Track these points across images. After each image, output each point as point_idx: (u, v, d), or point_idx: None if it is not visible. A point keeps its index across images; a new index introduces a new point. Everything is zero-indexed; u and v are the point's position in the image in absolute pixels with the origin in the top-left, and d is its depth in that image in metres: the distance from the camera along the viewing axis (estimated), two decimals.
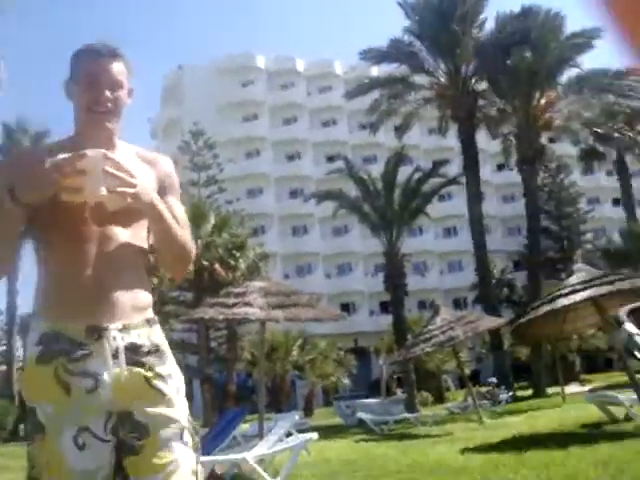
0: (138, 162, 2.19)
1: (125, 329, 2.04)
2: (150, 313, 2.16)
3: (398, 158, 26.99)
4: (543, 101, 27.10)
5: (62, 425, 1.96)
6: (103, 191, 1.93)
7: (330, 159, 53.31)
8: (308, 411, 29.87)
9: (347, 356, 37.10)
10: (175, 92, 57.55)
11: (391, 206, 25.92)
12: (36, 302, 2.13)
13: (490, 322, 17.85)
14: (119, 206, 2.01)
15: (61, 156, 1.94)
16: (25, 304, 38.91)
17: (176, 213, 2.20)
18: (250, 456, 8.91)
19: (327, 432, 15.56)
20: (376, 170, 28.68)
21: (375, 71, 35.78)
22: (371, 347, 40.78)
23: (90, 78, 2.11)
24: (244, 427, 14.02)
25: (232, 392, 31.33)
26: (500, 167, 52.23)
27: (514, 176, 32.36)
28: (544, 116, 27.28)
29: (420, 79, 27.64)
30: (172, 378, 2.10)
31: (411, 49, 26.55)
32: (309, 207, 43.62)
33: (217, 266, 29.56)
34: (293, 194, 55.33)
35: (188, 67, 57.44)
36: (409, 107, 28.00)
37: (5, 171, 2.14)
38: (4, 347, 39.03)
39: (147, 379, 2.03)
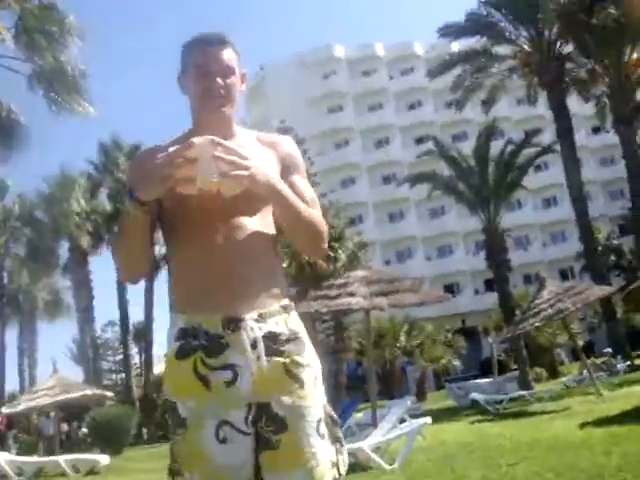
0: (257, 146, 2.17)
1: (262, 318, 2.00)
2: (286, 299, 2.11)
3: (489, 132, 26.48)
4: (635, 55, 25.97)
5: (203, 419, 1.95)
6: (215, 177, 1.88)
7: (419, 141, 52.85)
8: (420, 396, 29.76)
9: (455, 337, 36.79)
10: (259, 92, 58.25)
11: (486, 182, 25.49)
12: (171, 299, 2.14)
13: (600, 291, 17.28)
14: (236, 191, 1.93)
15: (170, 149, 1.92)
16: (137, 313, 40.29)
17: (301, 191, 2.13)
18: (366, 445, 8.97)
19: (441, 415, 15.50)
20: (467, 147, 28.24)
21: (455, 47, 35.15)
22: (479, 326, 40.22)
23: (201, 68, 2.10)
24: (358, 416, 14.12)
25: (343, 383, 31.57)
26: (595, 130, 50.39)
27: (611, 138, 31.20)
28: (638, 71, 26.15)
29: (502, 49, 26.99)
30: (310, 367, 2.04)
31: (490, 20, 25.94)
32: (403, 191, 43.37)
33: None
34: (386, 180, 55.14)
35: (269, 66, 58.01)
36: (494, 79, 27.38)
37: (128, 176, 2.15)
38: (121, 356, 40.57)
39: (286, 368, 1.99)
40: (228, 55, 2.13)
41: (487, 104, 28.26)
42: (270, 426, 1.95)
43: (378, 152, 56.94)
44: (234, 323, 1.97)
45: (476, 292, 51.30)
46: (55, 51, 19.11)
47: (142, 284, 33.77)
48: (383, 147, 57.43)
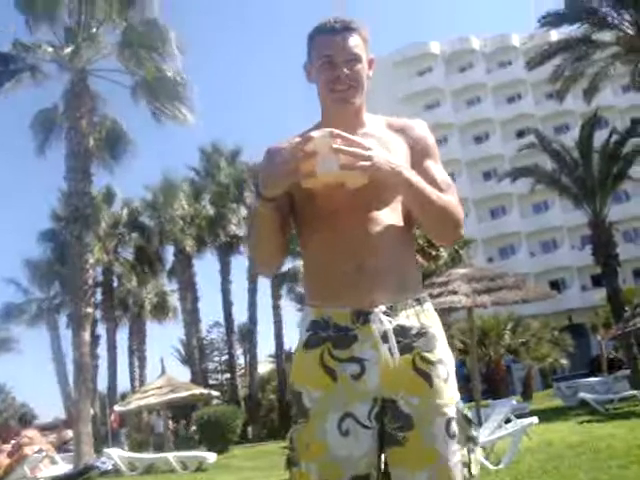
0: (387, 132, 2.14)
1: (392, 311, 1.97)
2: (420, 291, 2.07)
3: (592, 122, 25.65)
4: None
5: (327, 410, 1.94)
6: (335, 169, 1.85)
7: (520, 134, 51.64)
8: (526, 395, 29.09)
9: (562, 335, 35.72)
10: None
11: (591, 174, 24.69)
12: (304, 291, 2.15)
13: None
14: (362, 183, 1.91)
15: (291, 144, 1.92)
16: (241, 314, 41.07)
17: (434, 176, 2.08)
18: None
19: (548, 415, 15.11)
20: (569, 139, 27.46)
21: (554, 37, 34.20)
22: (587, 324, 39.02)
23: (326, 57, 2.05)
24: None
25: None
26: None
27: None
28: None
29: (604, 36, 26.07)
30: (442, 363, 1.99)
31: (590, 5, 25.08)
32: (505, 187, 42.52)
33: (419, 257, 29.61)
34: (487, 175, 54.25)
35: None
36: (596, 67, 26.49)
37: (259, 174, 2.13)
38: (226, 357, 41.44)
39: (415, 365, 1.94)
40: (354, 42, 2.07)
41: (589, 93, 27.37)
42: (396, 423, 1.92)
43: (478, 147, 56.10)
44: (363, 316, 1.95)
45: (583, 288, 49.73)
46: (157, 63, 19.75)
47: (245, 285, 34.43)
48: (483, 142, 56.53)
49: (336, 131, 1.87)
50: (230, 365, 36.87)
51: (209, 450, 17.78)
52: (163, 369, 20.57)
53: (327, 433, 1.93)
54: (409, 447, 1.91)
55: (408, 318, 1.98)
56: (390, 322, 1.95)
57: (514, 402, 15.17)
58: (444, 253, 30.05)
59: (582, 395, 17.60)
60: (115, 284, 35.96)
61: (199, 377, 32.17)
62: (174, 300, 37.01)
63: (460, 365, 38.01)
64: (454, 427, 1.94)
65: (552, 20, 25.78)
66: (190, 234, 34.00)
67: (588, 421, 13.81)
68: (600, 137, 25.33)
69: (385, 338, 1.93)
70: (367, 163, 1.86)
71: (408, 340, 1.95)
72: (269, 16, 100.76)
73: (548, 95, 42.70)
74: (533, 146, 27.43)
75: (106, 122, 20.56)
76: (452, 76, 57.61)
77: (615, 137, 24.88)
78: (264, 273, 2.27)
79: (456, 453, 1.93)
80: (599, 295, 30.27)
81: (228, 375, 39.77)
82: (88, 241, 18.74)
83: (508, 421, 11.01)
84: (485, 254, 51.10)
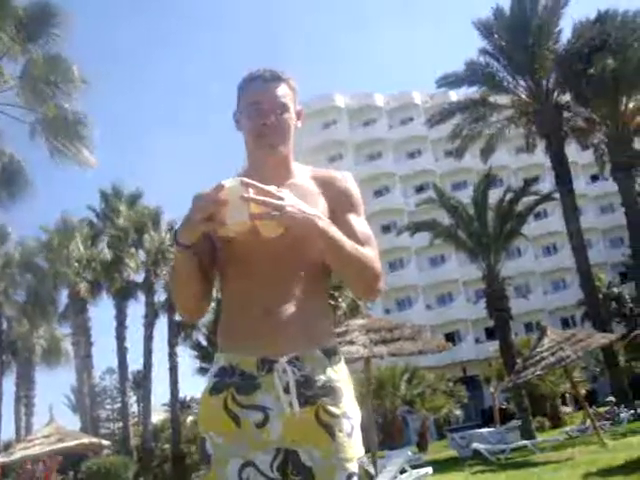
0: (311, 183, 2.14)
1: (298, 361, 1.95)
2: (330, 342, 2.06)
3: (487, 181, 26.62)
4: (631, 105, 26.27)
5: (228, 457, 1.92)
6: (245, 219, 1.86)
7: (419, 189, 53.19)
8: (422, 446, 29.36)
9: (457, 386, 36.42)
10: None
11: (486, 230, 25.51)
12: (218, 337, 2.12)
13: (601, 339, 17.20)
14: (276, 232, 1.91)
15: (204, 192, 1.92)
16: (136, 361, 40.06)
17: (354, 229, 2.07)
18: None
19: (442, 466, 15.29)
20: (467, 195, 28.38)
21: (454, 96, 35.60)
22: (480, 375, 39.90)
23: (255, 105, 2.07)
24: None
25: None
26: (594, 178, 50.68)
27: (610, 185, 31.35)
28: (635, 120, 26.43)
29: (501, 99, 27.31)
30: (347, 417, 1.96)
31: (488, 69, 26.31)
32: (403, 240, 43.45)
33: None
34: (386, 229, 55.15)
35: None
36: (492, 128, 27.67)
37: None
38: (119, 404, 40.18)
39: (318, 418, 1.92)
40: (283, 91, 2.11)
41: (485, 153, 28.50)
42: (297, 476, 1.90)
43: (378, 200, 57.09)
44: (268, 364, 1.95)
45: (477, 340, 50.98)
46: (59, 100, 19.36)
47: (141, 331, 33.64)
48: (383, 195, 57.65)
49: (247, 180, 1.89)
50: (123, 413, 35.67)
51: None
52: (51, 417, 19.68)
53: (228, 479, 1.91)
54: None
55: (314, 370, 1.98)
56: (294, 372, 1.94)
57: (409, 453, 15.31)
58: (343, 304, 30.30)
59: (475, 445, 17.88)
60: (4, 326, 34.46)
61: (90, 426, 31.03)
62: (66, 345, 35.75)
63: None
64: None
65: (451, 81, 26.86)
66: (85, 277, 33.09)
67: (481, 471, 14.04)
68: (495, 195, 26.28)
69: (287, 389, 1.92)
70: (277, 213, 1.86)
71: (312, 392, 1.95)
72: (178, 59, 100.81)
73: (447, 152, 44.14)
74: (432, 201, 28.20)
75: (2, 158, 19.92)
76: (355, 130, 58.81)
77: (509, 195, 25.87)
78: (186, 318, 2.21)
79: None
80: (492, 347, 31.07)
81: (120, 424, 38.49)
82: None
83: (404, 471, 11.08)
84: (383, 305, 51.65)
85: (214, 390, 2.00)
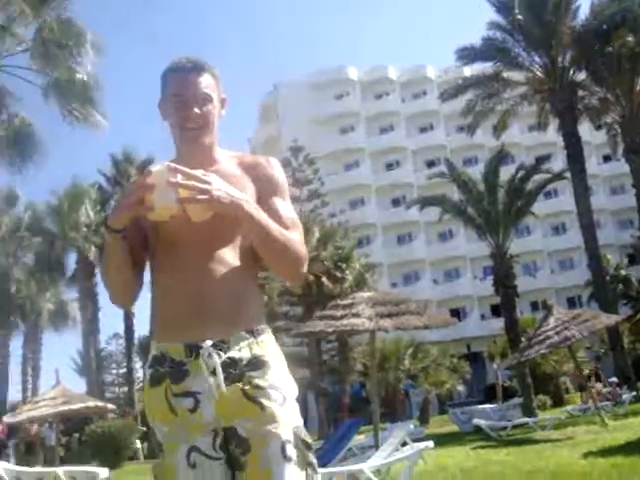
0: (237, 169, 2.16)
1: (224, 344, 1.99)
2: (257, 323, 2.08)
3: (499, 158, 26.49)
4: None
5: (176, 444, 1.98)
6: (172, 203, 1.90)
7: (430, 164, 52.98)
8: (423, 420, 29.55)
9: (460, 362, 36.54)
10: (272, 110, 58.56)
11: (495, 207, 25.43)
12: (150, 326, 2.16)
13: (607, 319, 17.20)
14: (204, 216, 1.95)
15: (132, 179, 2.00)
16: (142, 326, 40.37)
17: (279, 213, 2.09)
18: (366, 467, 8.90)
19: (443, 440, 15.37)
20: (477, 171, 28.27)
21: (468, 72, 35.28)
22: (484, 352, 40.02)
23: (178, 97, 2.09)
24: (359, 438, 14.02)
25: (346, 404, 31.45)
26: (607, 158, 50.42)
27: (622, 167, 31.14)
28: None
29: (515, 75, 27.06)
30: (274, 388, 2.01)
31: (504, 45, 26.02)
32: (412, 214, 43.42)
33: (324, 279, 29.80)
34: (395, 202, 55.19)
35: (283, 85, 58.33)
36: (506, 105, 27.45)
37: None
38: (124, 369, 40.52)
39: (245, 393, 1.97)
40: (206, 82, 2.12)
41: (498, 129, 28.31)
42: (239, 447, 1.95)
43: (389, 174, 57.06)
44: (194, 350, 1.99)
45: (482, 317, 51.12)
46: (71, 64, 19.28)
47: (148, 297, 33.76)
48: (394, 169, 57.56)
49: (173, 165, 1.92)
50: (128, 378, 36.00)
51: (101, 465, 17.26)
52: (58, 379, 19.85)
53: (178, 466, 1.98)
54: (249, 470, 1.94)
55: (240, 350, 2.01)
56: (219, 355, 1.98)
57: (411, 426, 15.37)
58: (349, 276, 30.35)
59: (477, 421, 17.98)
60: (13, 289, 34.70)
61: (95, 389, 31.30)
62: (74, 309, 35.97)
63: (360, 388, 38.38)
64: (290, 450, 1.96)
65: (467, 55, 26.57)
66: (94, 242, 33.19)
67: (482, 447, 14.13)
68: (506, 172, 26.16)
69: (214, 371, 1.97)
70: (205, 196, 1.89)
71: (238, 371, 1.99)
72: (191, 27, 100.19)
73: (459, 128, 43.87)
74: (443, 175, 28.10)
75: (15, 120, 19.90)
76: (368, 103, 58.51)
77: (521, 173, 25.75)
78: (117, 304, 2.23)
79: (292, 477, 1.94)
80: (497, 325, 31.12)
81: (125, 388, 38.86)
82: None
83: (404, 444, 11.15)
84: (390, 279, 51.85)
85: (153, 381, 2.05)
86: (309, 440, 2.04)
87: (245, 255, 2.10)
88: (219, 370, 1.96)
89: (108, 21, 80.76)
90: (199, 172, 1.93)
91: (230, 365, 1.98)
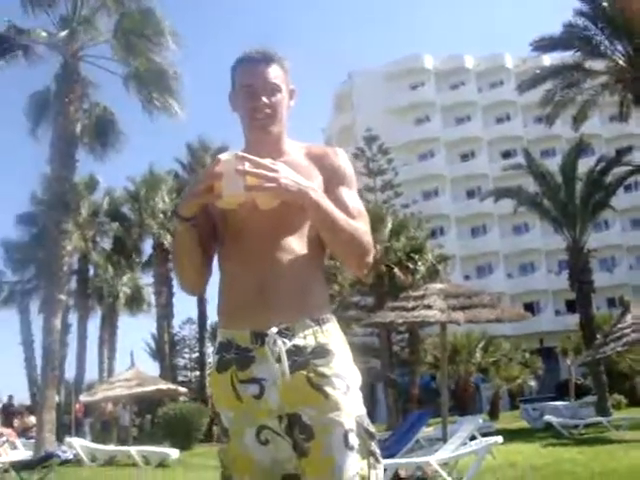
0: (305, 160, 2.19)
1: (288, 331, 2.02)
2: (322, 312, 2.10)
3: (578, 149, 25.88)
4: None
5: (243, 428, 2.03)
6: (240, 191, 1.93)
7: (506, 155, 52.10)
8: (493, 414, 29.21)
9: (533, 357, 35.91)
10: (346, 100, 58.51)
11: (573, 200, 24.88)
12: (217, 313, 2.20)
13: None
14: (271, 204, 1.99)
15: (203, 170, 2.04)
16: (214, 313, 40.98)
17: (346, 203, 2.12)
18: (434, 459, 8.88)
19: (513, 436, 15.18)
20: (555, 163, 27.68)
21: (547, 61, 34.49)
22: (558, 348, 39.23)
23: (247, 87, 2.13)
24: (427, 430, 13.97)
25: (415, 395, 31.30)
26: None
27: None
28: None
29: (596, 64, 26.31)
30: (339, 377, 2.02)
31: (585, 33, 25.30)
32: (487, 206, 42.78)
33: (396, 270, 29.70)
34: (470, 194, 54.54)
35: (357, 74, 58.21)
36: (586, 95, 26.72)
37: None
38: (197, 354, 41.25)
39: (309, 380, 1.99)
40: (274, 73, 2.15)
41: (577, 120, 27.62)
42: (301, 434, 1.97)
43: (464, 165, 56.39)
44: (260, 337, 2.02)
45: (557, 312, 50.10)
46: (150, 53, 19.66)
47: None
48: (469, 160, 56.85)
49: (241, 153, 1.97)
50: (200, 363, 36.64)
51: (172, 447, 17.68)
52: (132, 362, 20.37)
53: (248, 447, 2.03)
54: (311, 457, 1.96)
55: (305, 338, 2.04)
56: (285, 343, 2.01)
57: (480, 420, 15.25)
58: (422, 267, 30.16)
59: (548, 418, 17.70)
60: (91, 273, 35.70)
61: (168, 373, 31.95)
62: (149, 294, 36.80)
63: (430, 380, 38.16)
64: (353, 439, 1.97)
65: (546, 44, 25.96)
66: (169, 229, 33.85)
67: (552, 444, 13.91)
68: (584, 164, 25.54)
69: (279, 359, 1.99)
70: (273, 184, 1.93)
71: (303, 358, 2.01)
72: (266, 15, 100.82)
73: (537, 119, 42.95)
74: (519, 167, 27.62)
75: (96, 109, 20.44)
76: (443, 92, 57.89)
77: (600, 165, 25.10)
78: (187, 291, 2.29)
79: (353, 465, 1.96)
80: (572, 320, 30.44)
81: (197, 373, 39.57)
82: (67, 228, 18.60)
83: (473, 438, 11.06)
84: (463, 271, 51.32)
85: (219, 368, 2.09)
86: (372, 429, 2.05)
87: (311, 244, 2.12)
88: (284, 357, 1.99)
89: (185, 9, 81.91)
90: (267, 161, 1.97)
91: (295, 352, 2.01)
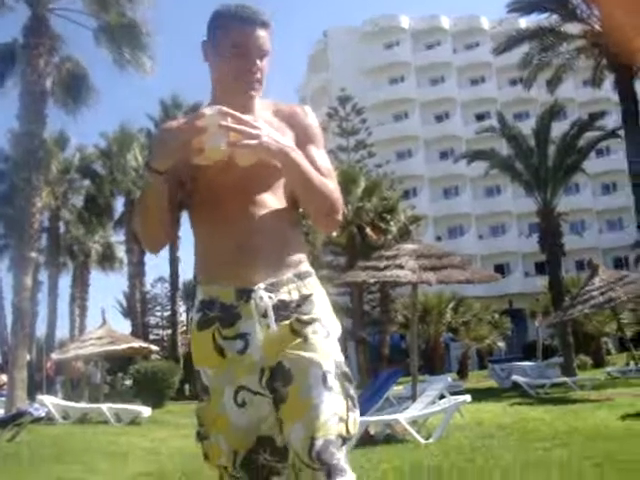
0: (274, 118, 2.17)
1: (273, 287, 2.03)
2: (303, 267, 2.12)
3: (552, 112, 25.97)
4: None
5: (222, 386, 2.04)
6: (223, 146, 1.92)
7: (480, 118, 52.22)
8: (462, 374, 29.69)
9: (502, 318, 36.45)
10: (321, 59, 58.02)
11: (545, 163, 25.04)
12: (194, 270, 2.21)
13: None
14: (250, 161, 1.98)
15: (182, 120, 2.00)
16: (187, 271, 40.79)
17: (316, 161, 2.11)
18: (403, 417, 9.02)
19: (481, 395, 15.43)
20: (528, 126, 27.77)
21: (523, 24, 34.38)
22: (526, 309, 39.84)
23: (241, 49, 2.06)
24: (397, 389, 14.15)
25: (386, 354, 31.70)
26: None
27: None
28: None
29: (572, 28, 26.28)
30: (319, 322, 2.04)
31: None
32: (460, 168, 42.92)
33: (368, 230, 29.82)
34: (443, 155, 54.69)
35: (332, 33, 57.69)
36: (561, 59, 26.74)
37: (150, 147, 2.22)
38: (169, 312, 41.28)
39: (292, 328, 2.00)
40: (267, 37, 2.11)
41: (553, 84, 27.64)
42: (281, 381, 1.96)
43: (438, 126, 56.39)
44: (246, 294, 2.02)
45: (526, 274, 50.74)
46: (122, 8, 19.25)
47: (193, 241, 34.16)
48: (443, 121, 56.86)
49: (226, 109, 1.94)
50: (172, 321, 36.67)
51: (144, 404, 17.75)
52: (104, 320, 20.35)
53: (226, 407, 2.03)
54: (290, 401, 1.93)
55: (289, 293, 2.05)
56: (271, 298, 2.02)
57: (449, 379, 15.50)
58: (393, 228, 30.30)
59: (515, 378, 18.01)
60: (62, 230, 35.38)
61: (140, 331, 31.96)
62: (121, 251, 36.62)
63: (400, 339, 38.62)
64: (331, 380, 1.95)
65: (523, 6, 25.85)
66: (141, 186, 33.57)
67: (519, 404, 14.17)
68: (557, 128, 25.65)
69: (265, 314, 2.01)
70: (255, 141, 1.93)
71: (288, 312, 2.03)
72: None
73: (512, 81, 43.00)
74: (493, 130, 27.67)
75: (67, 63, 20.03)
76: (419, 52, 57.60)
77: (574, 129, 25.22)
78: (150, 248, 2.25)
79: (332, 406, 1.92)
80: (541, 282, 30.86)
81: (169, 331, 39.63)
82: (37, 185, 18.34)
83: (442, 397, 11.24)
84: (435, 232, 51.67)
85: (201, 325, 2.09)
86: (350, 374, 2.05)
87: (285, 201, 2.13)
88: (270, 312, 2.00)
89: None
90: (249, 117, 1.97)
91: (280, 307, 2.02)
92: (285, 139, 2.05)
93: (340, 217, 2.13)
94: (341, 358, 2.05)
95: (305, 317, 2.03)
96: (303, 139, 2.17)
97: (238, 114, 1.95)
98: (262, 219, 2.06)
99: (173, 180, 2.07)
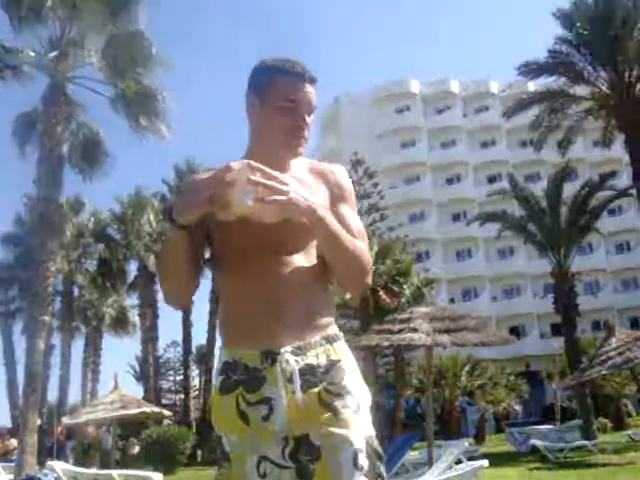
0: (308, 175, 2.13)
1: (300, 350, 1.96)
2: (331, 330, 2.05)
3: (563, 173, 26.08)
4: None
5: (245, 454, 1.95)
6: (250, 202, 1.85)
7: (491, 180, 52.47)
8: (479, 438, 29.13)
9: (518, 381, 35.95)
10: (333, 123, 58.77)
11: (558, 224, 25.03)
12: (219, 331, 2.13)
13: None
14: (277, 218, 1.91)
15: (207, 174, 1.96)
16: (200, 335, 40.70)
17: (348, 222, 2.07)
18: None
19: (499, 459, 15.12)
20: (540, 188, 27.87)
21: (531, 87, 34.82)
22: (543, 371, 39.30)
23: (292, 103, 2.04)
24: (413, 454, 13.92)
25: (401, 419, 31.19)
26: None
27: None
28: None
29: (580, 90, 26.62)
30: (350, 395, 1.95)
31: (568, 59, 25.61)
32: (472, 230, 42.96)
33: (382, 293, 29.71)
34: (455, 217, 54.81)
35: (344, 98, 58.54)
36: (570, 120, 27.00)
37: (172, 200, 2.16)
38: (181, 377, 41.00)
39: (320, 399, 1.93)
40: (315, 95, 2.10)
41: (563, 145, 27.86)
42: (308, 455, 1.89)
43: (449, 189, 56.71)
44: (271, 356, 1.95)
45: (542, 336, 50.22)
46: (138, 76, 19.69)
47: (206, 307, 34.17)
48: (454, 184, 57.20)
49: (254, 164, 1.88)
50: (184, 386, 36.40)
51: (155, 471, 17.47)
52: (116, 384, 20.21)
53: (247, 476, 1.94)
54: (318, 478, 1.87)
55: (317, 357, 1.98)
56: (297, 362, 1.95)
57: (466, 444, 15.21)
58: (407, 291, 30.18)
59: (534, 442, 17.67)
60: (75, 294, 35.51)
61: (152, 395, 31.73)
62: (133, 316, 36.62)
63: (415, 404, 38.07)
64: (362, 459, 1.88)
65: (531, 70, 26.24)
66: (155, 251, 33.75)
67: (538, 468, 13.89)
68: (568, 188, 25.73)
69: (291, 378, 1.93)
70: (283, 198, 1.87)
71: (315, 378, 1.95)
72: (258, 43, 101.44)
73: (522, 143, 43.32)
74: (504, 192, 27.77)
75: (83, 130, 20.41)
76: (429, 117, 58.31)
77: (585, 190, 25.29)
78: (171, 304, 2.18)
79: None
80: (557, 344, 30.53)
81: (182, 396, 39.30)
82: (52, 249, 18.48)
83: (459, 462, 11.03)
84: (448, 295, 51.42)
85: (223, 390, 2.02)
86: (380, 451, 1.98)
87: (315, 262, 2.07)
88: (297, 377, 1.93)
89: (172, 34, 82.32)
90: (277, 173, 1.91)
91: (307, 372, 1.95)
92: (316, 197, 2.01)
93: (369, 279, 2.07)
94: (372, 432, 1.97)
95: (334, 387, 1.95)
96: (337, 198, 2.14)
97: (267, 169, 1.89)
98: (290, 279, 2.00)
99: (198, 235, 2.02)
